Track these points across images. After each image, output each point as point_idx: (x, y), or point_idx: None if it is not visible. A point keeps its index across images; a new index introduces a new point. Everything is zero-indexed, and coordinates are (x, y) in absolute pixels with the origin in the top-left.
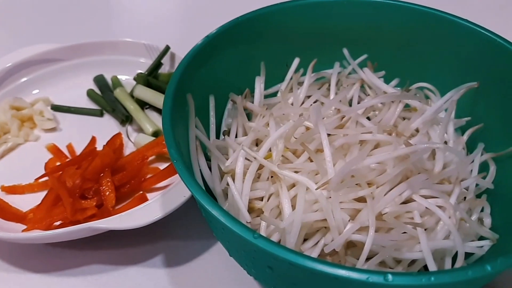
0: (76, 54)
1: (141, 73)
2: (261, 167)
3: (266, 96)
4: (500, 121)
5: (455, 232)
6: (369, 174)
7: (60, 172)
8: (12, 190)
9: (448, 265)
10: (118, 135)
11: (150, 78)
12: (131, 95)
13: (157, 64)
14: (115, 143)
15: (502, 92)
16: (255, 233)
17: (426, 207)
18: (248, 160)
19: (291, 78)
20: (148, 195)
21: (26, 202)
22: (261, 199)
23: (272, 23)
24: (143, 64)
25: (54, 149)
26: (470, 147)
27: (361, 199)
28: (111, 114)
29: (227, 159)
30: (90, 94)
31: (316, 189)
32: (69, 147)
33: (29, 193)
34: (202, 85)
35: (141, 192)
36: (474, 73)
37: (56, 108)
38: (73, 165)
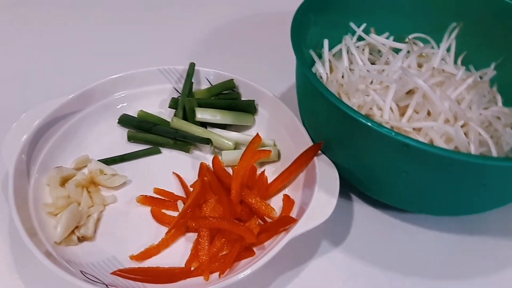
0: (86, 101)
1: (174, 98)
2: None
3: None
4: (478, 46)
5: None
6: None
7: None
8: (146, 255)
9: None
10: (216, 158)
11: (198, 99)
12: (185, 119)
13: (190, 83)
14: (220, 165)
15: (476, 26)
16: None
17: None
18: None
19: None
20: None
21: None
22: None
23: None
24: (163, 89)
25: (147, 199)
26: None
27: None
28: (170, 147)
29: None
30: (133, 136)
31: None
32: (160, 191)
33: (164, 249)
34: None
35: (284, 193)
36: (448, 16)
37: (110, 161)
38: (197, 202)
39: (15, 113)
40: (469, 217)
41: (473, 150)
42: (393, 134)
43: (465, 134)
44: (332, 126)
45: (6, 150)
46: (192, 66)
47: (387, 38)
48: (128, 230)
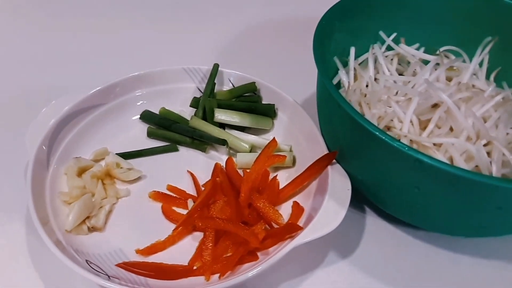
0: (111, 95)
1: (196, 97)
2: None
3: None
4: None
5: None
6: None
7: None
8: (152, 250)
9: None
10: (230, 160)
11: (218, 100)
12: (204, 119)
13: (213, 84)
14: (233, 166)
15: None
16: None
17: None
18: None
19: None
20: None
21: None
22: None
23: None
24: (187, 88)
25: (159, 195)
26: None
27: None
28: (188, 146)
29: None
30: (152, 132)
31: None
32: (173, 188)
33: (170, 246)
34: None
35: (293, 200)
36: (483, 30)
37: (128, 156)
38: (206, 202)
39: (42, 102)
40: (485, 240)
41: (494, 170)
42: (406, 148)
43: (489, 153)
44: (347, 136)
45: (30, 138)
46: (215, 67)
47: (417, 49)
48: (137, 224)
